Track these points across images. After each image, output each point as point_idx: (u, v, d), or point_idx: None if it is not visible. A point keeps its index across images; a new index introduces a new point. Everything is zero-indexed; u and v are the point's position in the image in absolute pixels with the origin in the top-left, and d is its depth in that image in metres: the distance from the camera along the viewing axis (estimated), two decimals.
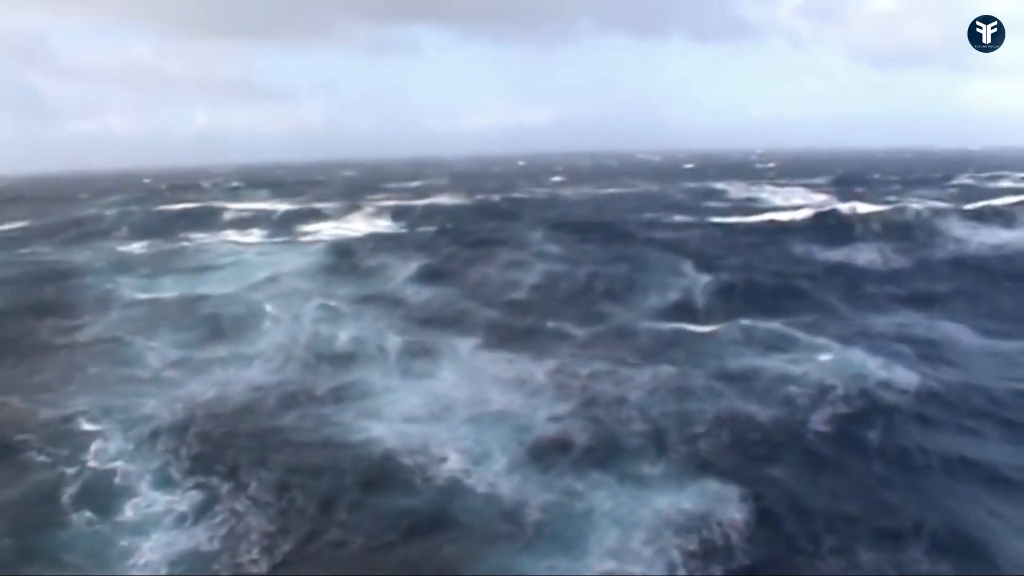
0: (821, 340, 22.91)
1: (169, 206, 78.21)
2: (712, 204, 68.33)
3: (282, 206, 73.52)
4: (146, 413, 18.50)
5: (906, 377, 19.09)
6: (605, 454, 15.34)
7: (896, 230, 41.34)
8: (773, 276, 32.69)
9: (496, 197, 76.89)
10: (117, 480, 15.04)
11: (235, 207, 72.16)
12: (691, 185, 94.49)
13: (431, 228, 53.96)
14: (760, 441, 15.96)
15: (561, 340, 24.62)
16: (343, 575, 12.03)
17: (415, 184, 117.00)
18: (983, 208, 47.97)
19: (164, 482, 14.95)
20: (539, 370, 20.83)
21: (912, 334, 24.00)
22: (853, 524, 12.65)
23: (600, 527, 12.73)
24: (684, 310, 28.58)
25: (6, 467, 15.87)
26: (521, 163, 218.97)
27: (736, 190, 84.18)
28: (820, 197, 73.61)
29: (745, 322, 25.63)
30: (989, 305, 28.62)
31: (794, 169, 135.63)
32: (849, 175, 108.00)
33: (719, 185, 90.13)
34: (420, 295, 32.51)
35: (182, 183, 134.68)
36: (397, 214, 64.45)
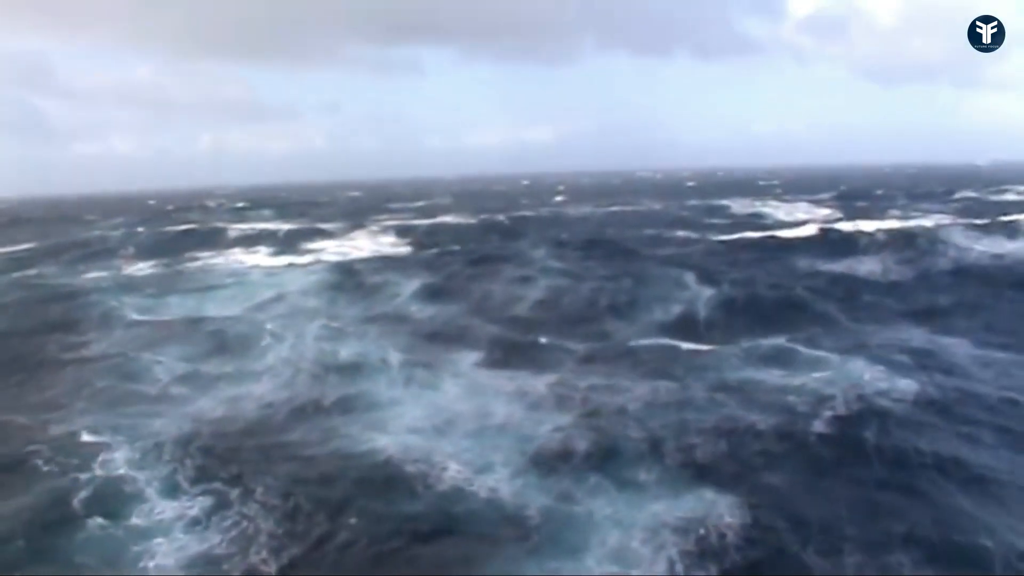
0: (821, 352, 23.11)
1: (174, 227, 78.71)
2: (715, 221, 68.56)
3: (287, 226, 73.95)
4: (154, 426, 18.79)
5: (906, 388, 19.22)
6: (605, 462, 15.53)
7: (898, 243, 41.49)
8: (775, 290, 32.84)
9: (500, 216, 77.24)
10: (127, 488, 15.27)
11: (240, 227, 72.62)
12: (694, 202, 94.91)
13: (435, 246, 54.34)
14: (758, 450, 16.11)
15: (563, 355, 24.83)
16: None
17: (419, 204, 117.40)
18: (985, 220, 48.16)
19: (174, 489, 15.19)
20: (541, 384, 21.02)
21: (913, 346, 24.13)
22: (848, 531, 12.80)
23: (600, 531, 12.94)
24: (686, 325, 28.76)
25: (17, 477, 16.09)
26: (525, 182, 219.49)
27: (739, 206, 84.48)
28: (823, 212, 73.97)
29: (746, 336, 25.91)
30: (990, 316, 28.72)
31: (798, 185, 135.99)
32: (853, 190, 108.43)
33: (722, 202, 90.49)
34: (424, 312, 32.77)
35: (187, 204, 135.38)
36: (401, 233, 64.83)
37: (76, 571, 12.56)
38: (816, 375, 20.69)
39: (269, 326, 29.35)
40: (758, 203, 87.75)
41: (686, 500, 13.93)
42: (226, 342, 27.27)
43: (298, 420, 19.18)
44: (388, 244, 59.42)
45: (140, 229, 78.39)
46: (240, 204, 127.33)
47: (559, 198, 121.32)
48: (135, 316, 32.79)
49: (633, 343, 26.35)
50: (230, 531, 13.54)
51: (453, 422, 18.43)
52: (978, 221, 49.00)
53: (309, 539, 13.20)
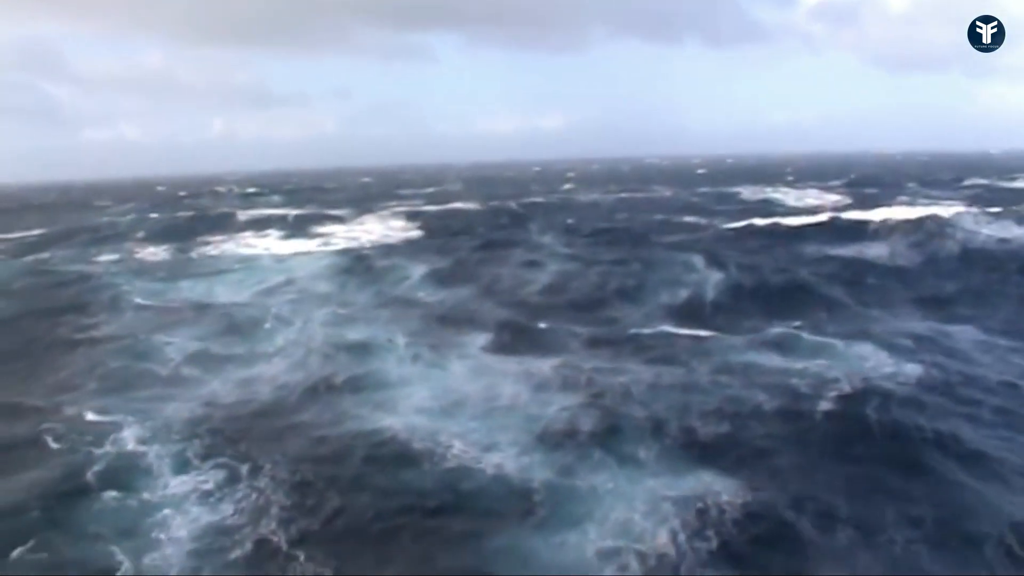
0: (827, 337, 23.28)
1: (185, 212, 79.05)
2: (724, 207, 68.53)
3: (297, 211, 74.33)
4: (166, 405, 19.17)
5: (911, 372, 19.44)
6: (609, 441, 15.72)
7: (906, 229, 41.43)
8: (782, 275, 32.94)
9: (510, 202, 77.40)
10: (139, 463, 15.57)
11: (250, 212, 73.04)
12: (704, 189, 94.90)
13: (445, 232, 54.62)
14: (761, 432, 16.29)
15: (570, 338, 24.99)
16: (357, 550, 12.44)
17: (429, 190, 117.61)
18: (995, 207, 48.10)
19: (185, 465, 15.48)
20: (548, 366, 21.17)
21: (918, 331, 24.28)
22: (847, 509, 12.99)
23: (604, 505, 13.20)
24: (693, 310, 28.91)
25: (31, 454, 16.39)
26: (535, 169, 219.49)
27: (749, 193, 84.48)
28: (833, 198, 73.95)
29: (753, 321, 26.14)
30: (997, 301, 28.80)
31: (809, 173, 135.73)
32: (863, 178, 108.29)
33: (732, 189, 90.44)
34: (433, 296, 33.00)
35: (197, 190, 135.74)
36: (411, 219, 65.16)
37: (92, 540, 12.82)
38: (821, 359, 20.85)
39: (279, 310, 29.63)
40: (768, 190, 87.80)
41: (688, 478, 14.15)
42: (236, 325, 27.52)
43: (308, 401, 19.38)
44: (398, 229, 59.64)
45: (151, 215, 78.81)
46: (250, 190, 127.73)
47: (569, 184, 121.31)
48: (146, 300, 33.04)
49: (640, 327, 26.51)
50: (241, 504, 13.83)
51: (461, 403, 18.62)
52: (988, 208, 48.93)
53: (318, 513, 13.47)
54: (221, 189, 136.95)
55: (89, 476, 14.98)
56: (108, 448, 16.22)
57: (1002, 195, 68.81)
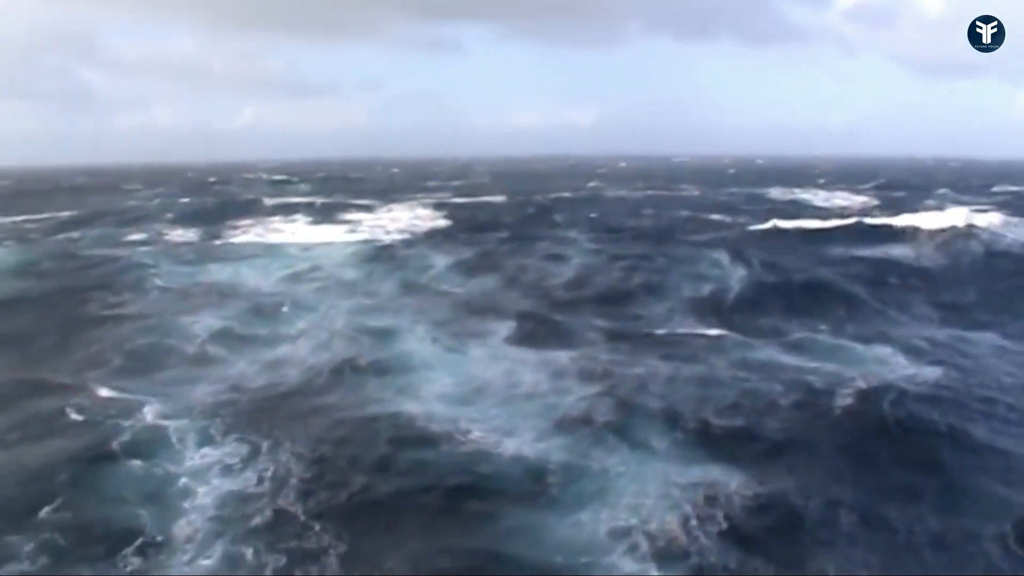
0: (848, 338, 23.51)
1: (214, 197, 79.65)
2: (752, 207, 68.25)
3: (325, 199, 74.80)
4: (190, 383, 19.71)
5: (929, 375, 19.34)
6: (624, 430, 15.95)
7: (932, 233, 41.16)
8: (807, 276, 32.90)
9: (537, 196, 77.53)
10: (164, 436, 15.93)
11: (279, 200, 73.46)
12: (733, 189, 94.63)
13: (472, 223, 54.79)
14: (776, 427, 16.38)
15: (592, 331, 25.13)
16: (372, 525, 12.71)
17: (457, 183, 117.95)
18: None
19: (209, 440, 15.83)
20: (568, 357, 21.38)
21: (939, 335, 24.31)
22: (856, 508, 13.02)
23: (616, 488, 13.47)
24: (715, 308, 28.88)
25: (58, 425, 16.74)
26: (564, 164, 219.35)
27: (778, 194, 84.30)
28: (861, 200, 73.70)
29: (775, 320, 26.28)
30: (1021, 308, 28.68)
31: (839, 175, 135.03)
32: (893, 182, 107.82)
33: (761, 190, 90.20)
34: (458, 286, 33.28)
35: (227, 177, 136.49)
36: (439, 209, 65.34)
37: (117, 503, 13.22)
38: (839, 359, 21.00)
39: (304, 295, 30.06)
40: (798, 191, 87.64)
41: (700, 467, 14.40)
42: (262, 308, 27.85)
43: (331, 383, 19.68)
44: (425, 219, 59.88)
45: (180, 199, 79.47)
46: (280, 177, 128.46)
47: (597, 181, 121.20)
48: (173, 281, 33.46)
49: (661, 322, 26.70)
50: (263, 476, 14.18)
51: (482, 390, 18.89)
52: (1017, 215, 48.54)
53: (337, 488, 13.76)
54: (251, 176, 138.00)
55: (114, 446, 15.36)
56: (133, 422, 16.56)
57: None
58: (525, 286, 33.16)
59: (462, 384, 19.31)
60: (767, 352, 21.92)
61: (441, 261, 38.37)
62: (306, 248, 43.84)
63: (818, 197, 79.11)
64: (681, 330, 25.48)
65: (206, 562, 11.58)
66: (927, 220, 44.01)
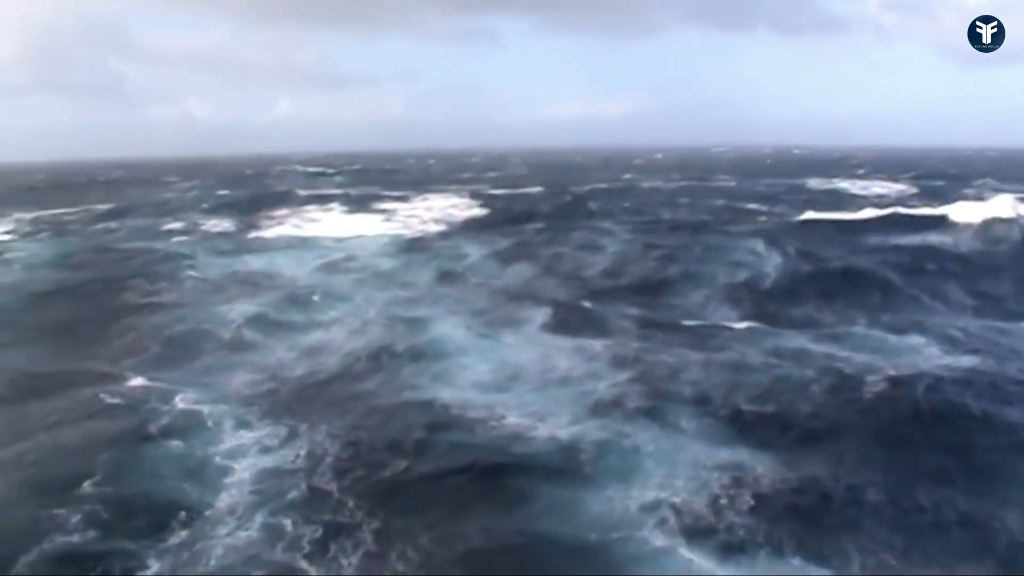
0: (884, 327, 23.29)
1: (250, 189, 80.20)
2: (789, 197, 67.75)
3: (361, 190, 75.13)
4: (228, 368, 20.22)
5: (965, 364, 19.05)
6: (656, 413, 16.13)
7: (971, 223, 40.62)
8: (843, 265, 32.63)
9: (573, 187, 77.47)
10: (202, 420, 16.30)
11: (314, 191, 73.79)
12: (770, 180, 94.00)
13: (508, 213, 54.88)
14: (808, 412, 16.38)
15: (626, 319, 25.17)
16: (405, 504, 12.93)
17: (493, 174, 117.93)
18: None
19: (246, 424, 16.21)
20: (602, 344, 21.51)
21: (975, 324, 24.00)
22: (886, 494, 12.99)
23: (647, 466, 13.71)
24: (749, 294, 28.80)
25: (98, 410, 17.09)
26: (600, 155, 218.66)
27: (816, 183, 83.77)
28: (899, 189, 73.10)
29: (807, 307, 26.24)
30: None
31: (877, 165, 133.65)
32: (932, 171, 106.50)
33: (799, 180, 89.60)
34: (494, 275, 33.49)
35: (263, 169, 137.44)
36: (474, 200, 65.36)
37: (157, 479, 13.61)
38: (874, 348, 20.87)
39: (340, 284, 30.27)
40: (836, 180, 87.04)
41: (730, 449, 14.58)
42: (297, 296, 28.28)
43: (367, 369, 20.00)
44: (461, 209, 59.97)
45: (217, 191, 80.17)
46: (315, 169, 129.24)
47: (633, 172, 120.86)
48: (209, 271, 33.91)
49: (695, 310, 26.84)
50: (299, 456, 14.55)
51: (517, 376, 19.13)
52: None
53: (371, 467, 14.06)
54: (285, 168, 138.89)
55: (153, 429, 15.76)
56: (170, 407, 16.92)
57: None
58: (560, 275, 33.27)
59: (497, 371, 19.50)
60: (800, 340, 21.86)
61: (477, 251, 38.57)
62: (341, 239, 44.18)
63: (856, 186, 78.50)
64: (715, 319, 25.53)
65: (247, 532, 11.92)
66: (966, 209, 43.44)
